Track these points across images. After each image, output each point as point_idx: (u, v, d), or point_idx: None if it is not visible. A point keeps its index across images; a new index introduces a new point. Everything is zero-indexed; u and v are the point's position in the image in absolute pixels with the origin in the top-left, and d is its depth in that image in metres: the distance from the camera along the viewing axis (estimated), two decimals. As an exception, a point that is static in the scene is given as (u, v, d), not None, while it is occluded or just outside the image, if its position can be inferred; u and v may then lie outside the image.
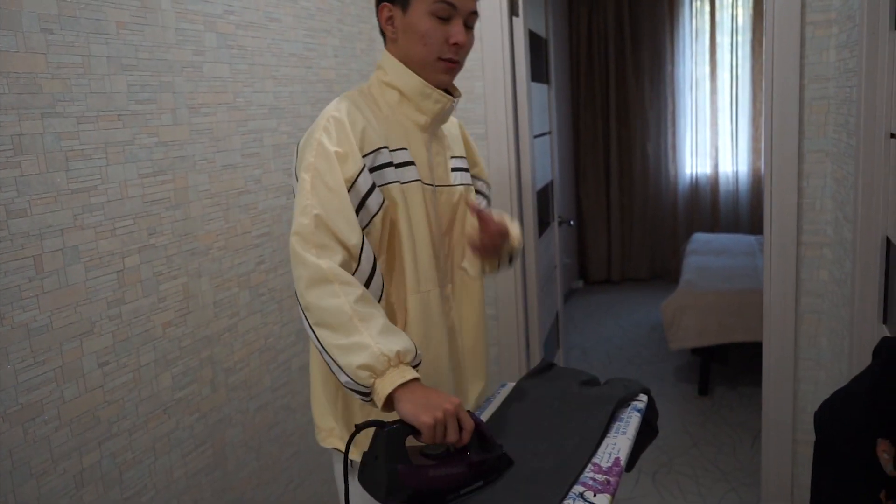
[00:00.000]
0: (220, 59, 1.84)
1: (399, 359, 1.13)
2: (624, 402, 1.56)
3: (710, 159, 5.74)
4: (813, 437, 1.22)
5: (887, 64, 1.57)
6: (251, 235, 1.97)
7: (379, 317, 1.16)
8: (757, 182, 5.61)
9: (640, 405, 1.57)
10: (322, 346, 1.16)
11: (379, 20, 1.35)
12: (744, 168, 5.64)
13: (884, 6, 1.58)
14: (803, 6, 2.16)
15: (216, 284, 1.83)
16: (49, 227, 1.36)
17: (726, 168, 5.72)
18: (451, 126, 1.53)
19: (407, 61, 1.34)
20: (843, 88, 2.02)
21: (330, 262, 1.16)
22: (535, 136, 2.91)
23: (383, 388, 1.10)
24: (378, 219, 1.27)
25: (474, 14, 1.34)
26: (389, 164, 1.29)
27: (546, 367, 1.79)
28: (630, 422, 1.50)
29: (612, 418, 1.48)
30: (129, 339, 1.55)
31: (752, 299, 3.55)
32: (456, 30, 1.30)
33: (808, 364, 2.36)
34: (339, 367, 1.13)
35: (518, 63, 2.64)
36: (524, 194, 2.75)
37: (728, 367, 3.92)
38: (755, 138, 5.54)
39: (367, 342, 1.11)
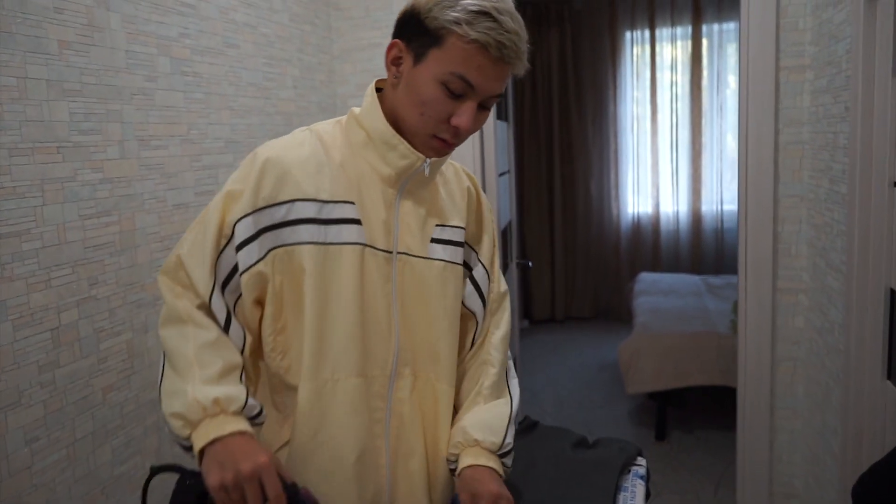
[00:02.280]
0: (174, 86, 1.65)
1: (219, 407, 0.96)
2: (624, 468, 1.48)
3: (651, 199, 5.79)
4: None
5: (889, 111, 1.52)
6: (203, 282, 1.76)
7: (219, 363, 1.00)
8: (697, 222, 5.69)
9: (641, 470, 1.50)
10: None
11: (386, 54, 1.08)
12: (684, 208, 5.71)
13: (882, 53, 1.54)
14: (777, 51, 2.14)
15: (164, 339, 1.61)
16: (-29, 280, 1.14)
17: (667, 208, 5.78)
18: (455, 190, 1.22)
19: (396, 116, 1.09)
20: (822, 134, 1.99)
21: (187, 304, 1.04)
22: (499, 175, 2.81)
23: (197, 442, 0.94)
24: (246, 280, 1.05)
25: (497, 97, 1.07)
26: (310, 221, 1.06)
27: (531, 426, 1.69)
28: (636, 491, 1.42)
29: (616, 488, 1.40)
30: (63, 409, 1.32)
31: (707, 342, 3.52)
32: (464, 111, 1.03)
33: (785, 413, 2.29)
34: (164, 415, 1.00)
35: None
36: (488, 236, 2.62)
37: (684, 411, 3.87)
38: (695, 178, 5.63)
39: (186, 388, 0.97)
